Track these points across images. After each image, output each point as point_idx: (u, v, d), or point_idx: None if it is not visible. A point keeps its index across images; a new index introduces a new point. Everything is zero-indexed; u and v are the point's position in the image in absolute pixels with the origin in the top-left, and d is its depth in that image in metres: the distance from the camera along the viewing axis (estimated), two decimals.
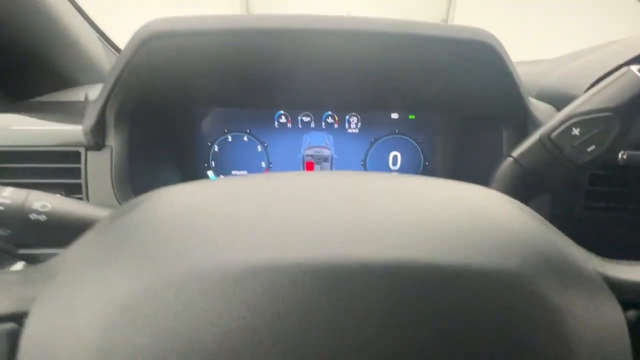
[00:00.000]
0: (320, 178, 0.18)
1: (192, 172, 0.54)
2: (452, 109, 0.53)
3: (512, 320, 0.13)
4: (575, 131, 0.29)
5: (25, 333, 0.13)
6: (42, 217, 0.26)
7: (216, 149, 0.55)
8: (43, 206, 0.26)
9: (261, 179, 0.18)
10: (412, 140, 0.56)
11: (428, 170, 0.56)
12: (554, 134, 0.30)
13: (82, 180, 0.39)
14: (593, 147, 0.29)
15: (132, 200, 0.17)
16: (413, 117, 0.55)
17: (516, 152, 0.31)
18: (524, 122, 0.42)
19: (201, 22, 0.36)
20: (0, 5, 0.44)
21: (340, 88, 0.49)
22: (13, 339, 0.13)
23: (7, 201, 0.25)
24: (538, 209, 0.19)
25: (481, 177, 0.35)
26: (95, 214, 0.28)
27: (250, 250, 0.13)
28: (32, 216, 0.25)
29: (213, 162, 0.55)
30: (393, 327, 0.12)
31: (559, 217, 0.43)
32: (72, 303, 0.13)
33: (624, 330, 0.14)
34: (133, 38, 0.37)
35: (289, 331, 0.12)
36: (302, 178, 0.18)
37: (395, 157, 0.56)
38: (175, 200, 0.16)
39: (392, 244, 0.13)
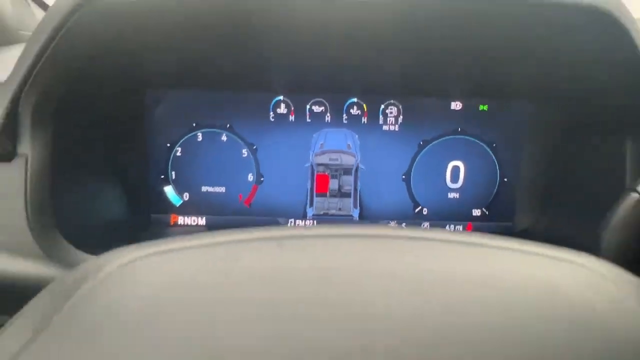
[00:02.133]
0: (340, 249, 0.17)
1: (142, 188, 0.45)
2: (548, 99, 0.43)
3: None
4: None
5: None
6: None
7: (179, 153, 0.45)
8: None
9: (248, 248, 0.17)
10: (483, 144, 0.44)
11: (506, 191, 0.45)
12: None
13: None
14: None
15: (99, 260, 0.17)
16: (485, 108, 0.43)
17: None
18: None
19: None
20: None
21: (373, 61, 0.39)
22: None
23: None
24: None
25: (591, 209, 0.33)
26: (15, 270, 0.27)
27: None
28: None
29: (173, 173, 0.45)
30: None
31: None
32: None
33: None
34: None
35: None
36: (318, 250, 0.17)
37: (456, 170, 0.45)
38: (154, 274, 0.16)
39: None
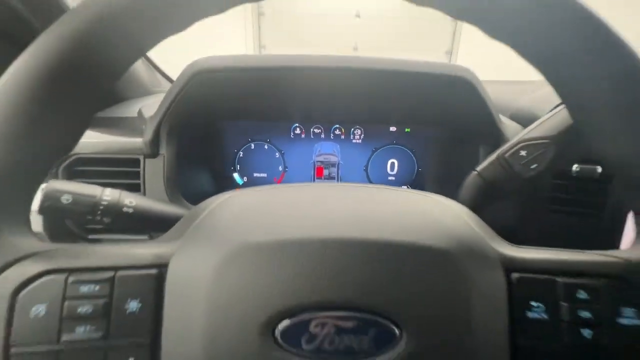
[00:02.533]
0: (329, 189, 0.27)
1: (221, 174, 0.63)
2: (438, 127, 0.61)
3: (438, 281, 0.21)
4: (523, 153, 0.38)
5: (169, 274, 0.21)
6: (130, 210, 0.36)
7: (241, 155, 0.64)
8: (130, 202, 0.36)
9: (286, 188, 0.26)
10: (407, 150, 0.64)
11: (420, 175, 0.64)
12: (507, 154, 0.39)
13: (140, 181, 0.49)
14: (535, 165, 0.38)
15: (213, 198, 0.26)
16: (409, 130, 0.63)
17: (479, 167, 0.40)
18: (497, 140, 0.48)
19: (237, 60, 0.46)
20: None
21: (346, 106, 0.57)
22: (159, 279, 0.21)
23: (108, 198, 0.35)
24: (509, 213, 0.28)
25: (460, 185, 0.43)
26: (165, 209, 0.38)
27: (291, 231, 0.21)
28: (124, 209, 0.36)
29: (238, 166, 0.64)
30: (367, 265, 0.20)
31: (527, 218, 0.51)
32: (197, 250, 0.21)
33: (503, 286, 0.22)
34: (184, 72, 0.46)
35: (316, 267, 0.20)
36: (318, 188, 0.26)
37: (392, 164, 0.64)
38: (244, 200, 0.25)
39: (370, 229, 0.22)
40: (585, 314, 0.21)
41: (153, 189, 0.49)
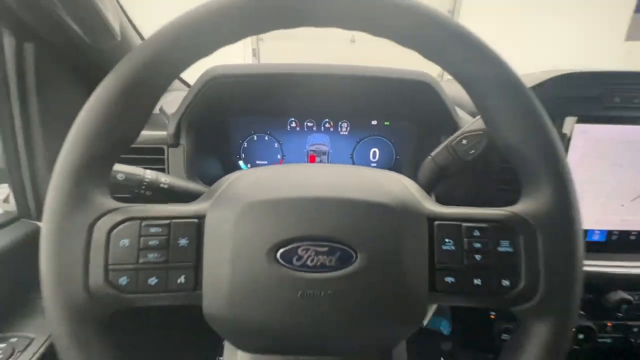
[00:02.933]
0: (313, 167, 0.37)
1: (229, 161, 0.72)
2: (409, 121, 0.70)
3: (382, 224, 0.31)
4: (464, 142, 0.48)
5: (206, 222, 0.29)
6: (166, 186, 0.47)
7: (245, 145, 0.72)
8: (165, 180, 0.48)
9: (283, 167, 0.36)
10: (387, 140, 0.72)
11: (398, 162, 0.72)
12: (453, 143, 0.49)
13: (165, 167, 0.58)
14: (473, 151, 0.48)
15: (230, 174, 0.35)
16: (388, 123, 0.71)
17: (433, 153, 0.47)
18: (454, 132, 0.54)
19: (244, 68, 0.56)
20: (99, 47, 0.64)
21: (334, 104, 0.66)
22: (199, 226, 0.30)
23: (149, 177, 0.46)
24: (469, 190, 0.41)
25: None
26: (189, 186, 0.49)
27: (285, 193, 0.30)
28: (161, 185, 0.47)
29: (243, 155, 0.73)
30: (335, 213, 0.30)
31: (479, 193, 0.62)
32: (225, 205, 0.30)
33: (427, 229, 0.32)
34: (200, 78, 0.55)
35: (311, 214, 0.30)
36: (305, 166, 0.36)
37: (374, 152, 0.72)
38: (253, 174, 0.34)
39: (338, 191, 0.31)
40: (477, 245, 0.31)
41: (175, 173, 0.58)
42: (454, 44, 0.29)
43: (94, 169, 0.29)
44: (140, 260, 0.29)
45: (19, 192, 0.61)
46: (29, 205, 0.60)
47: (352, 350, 0.33)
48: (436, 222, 0.32)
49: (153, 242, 0.29)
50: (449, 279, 0.30)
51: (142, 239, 0.29)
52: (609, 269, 0.62)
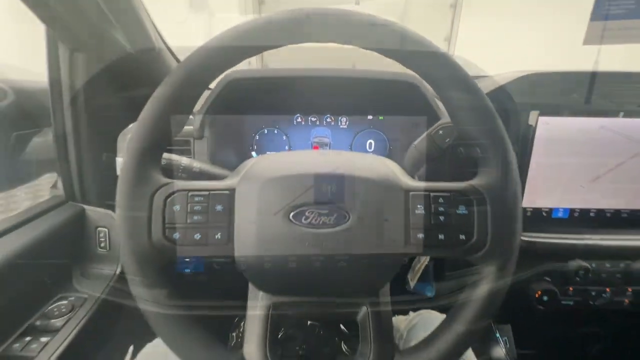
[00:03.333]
0: (317, 152, 0.49)
1: (243, 152, 0.79)
2: (400, 115, 0.77)
3: (369, 193, 0.41)
4: (441, 132, 0.58)
5: (236, 193, 0.36)
6: (197, 170, 0.58)
7: (257, 138, 0.79)
8: (197, 165, 0.59)
9: (294, 152, 0.47)
10: (381, 133, 0.78)
11: (391, 152, 0.79)
12: (432, 133, 0.59)
13: (192, 156, 0.68)
14: (448, 139, 0.58)
15: (252, 159, 0.41)
16: (382, 118, 0.78)
17: (415, 142, 0.55)
18: None
19: (257, 72, 0.68)
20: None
21: (335, 101, 0.74)
22: (230, 196, 0.37)
23: (185, 162, 0.57)
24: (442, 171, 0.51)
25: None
26: (215, 170, 0.60)
27: (297, 169, 0.37)
28: (194, 169, 0.58)
29: (255, 146, 0.80)
30: (333, 184, 0.40)
31: (454, 175, 0.72)
32: (250, 180, 0.37)
33: (403, 198, 0.41)
34: (220, 81, 0.64)
35: (315, 186, 0.37)
36: (310, 152, 0.48)
37: (370, 144, 0.79)
38: (271, 158, 0.42)
39: (336, 168, 0.38)
40: (441, 209, 0.38)
41: (200, 161, 0.71)
42: (422, 56, 0.37)
43: (152, 155, 0.37)
44: (188, 221, 0.36)
45: (66, 179, 0.72)
46: (75, 191, 0.71)
47: (347, 291, 0.44)
48: (411, 193, 0.39)
49: (197, 207, 0.37)
50: (420, 235, 0.38)
51: (189, 205, 0.37)
52: (570, 241, 0.72)
